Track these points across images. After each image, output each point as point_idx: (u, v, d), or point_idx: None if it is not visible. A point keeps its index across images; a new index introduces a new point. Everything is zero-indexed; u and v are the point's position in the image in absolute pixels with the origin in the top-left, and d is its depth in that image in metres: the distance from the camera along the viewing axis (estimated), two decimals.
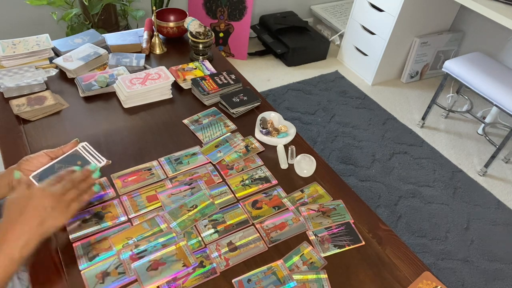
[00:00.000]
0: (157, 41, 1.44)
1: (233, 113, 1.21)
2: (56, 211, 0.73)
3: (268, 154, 1.11)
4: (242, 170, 1.05)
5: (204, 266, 0.83)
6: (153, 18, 1.44)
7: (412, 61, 2.83)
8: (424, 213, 2.02)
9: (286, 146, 1.13)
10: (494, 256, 1.86)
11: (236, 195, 0.98)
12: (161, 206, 0.94)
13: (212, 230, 0.90)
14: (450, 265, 1.81)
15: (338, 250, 0.89)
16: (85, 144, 0.91)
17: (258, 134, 1.14)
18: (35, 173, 0.85)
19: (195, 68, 1.35)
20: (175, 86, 1.30)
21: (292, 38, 2.93)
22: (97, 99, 1.22)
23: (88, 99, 1.22)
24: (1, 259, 0.68)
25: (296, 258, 0.86)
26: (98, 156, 0.91)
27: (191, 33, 1.39)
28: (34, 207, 0.72)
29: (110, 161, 0.93)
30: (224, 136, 1.14)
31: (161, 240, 0.87)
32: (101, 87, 1.22)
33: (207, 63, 1.38)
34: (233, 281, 0.81)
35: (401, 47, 2.77)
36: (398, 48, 2.76)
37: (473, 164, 2.35)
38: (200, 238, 0.88)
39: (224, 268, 0.83)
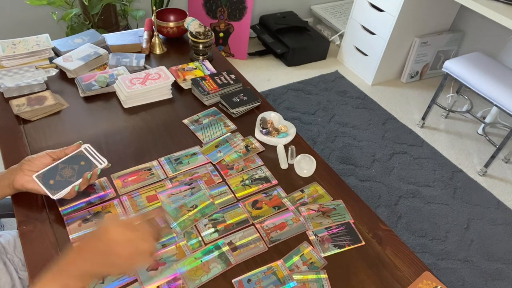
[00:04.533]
0: (157, 41, 1.44)
1: (233, 113, 1.21)
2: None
3: (268, 154, 1.11)
4: (242, 170, 1.05)
5: None
6: (153, 18, 1.44)
7: (412, 61, 2.83)
8: (424, 213, 2.02)
9: (286, 146, 1.13)
10: (494, 256, 1.86)
11: (236, 195, 0.98)
12: (161, 206, 0.94)
13: (212, 230, 0.90)
14: (450, 265, 1.81)
15: (338, 250, 0.89)
16: (88, 146, 0.93)
17: (258, 134, 1.14)
18: (38, 173, 0.86)
19: (195, 68, 1.35)
20: (175, 86, 1.30)
21: (292, 38, 2.93)
22: (97, 99, 1.22)
23: (88, 99, 1.22)
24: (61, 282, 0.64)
25: (296, 258, 0.86)
26: (100, 158, 0.93)
27: (191, 33, 1.39)
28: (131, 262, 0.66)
29: (110, 164, 0.94)
30: (224, 136, 1.14)
31: (161, 240, 0.87)
32: (101, 87, 1.22)
33: (207, 63, 1.38)
34: (233, 281, 0.81)
35: (401, 47, 2.77)
36: (398, 48, 2.76)
37: (473, 164, 2.35)
38: (200, 238, 0.88)
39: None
